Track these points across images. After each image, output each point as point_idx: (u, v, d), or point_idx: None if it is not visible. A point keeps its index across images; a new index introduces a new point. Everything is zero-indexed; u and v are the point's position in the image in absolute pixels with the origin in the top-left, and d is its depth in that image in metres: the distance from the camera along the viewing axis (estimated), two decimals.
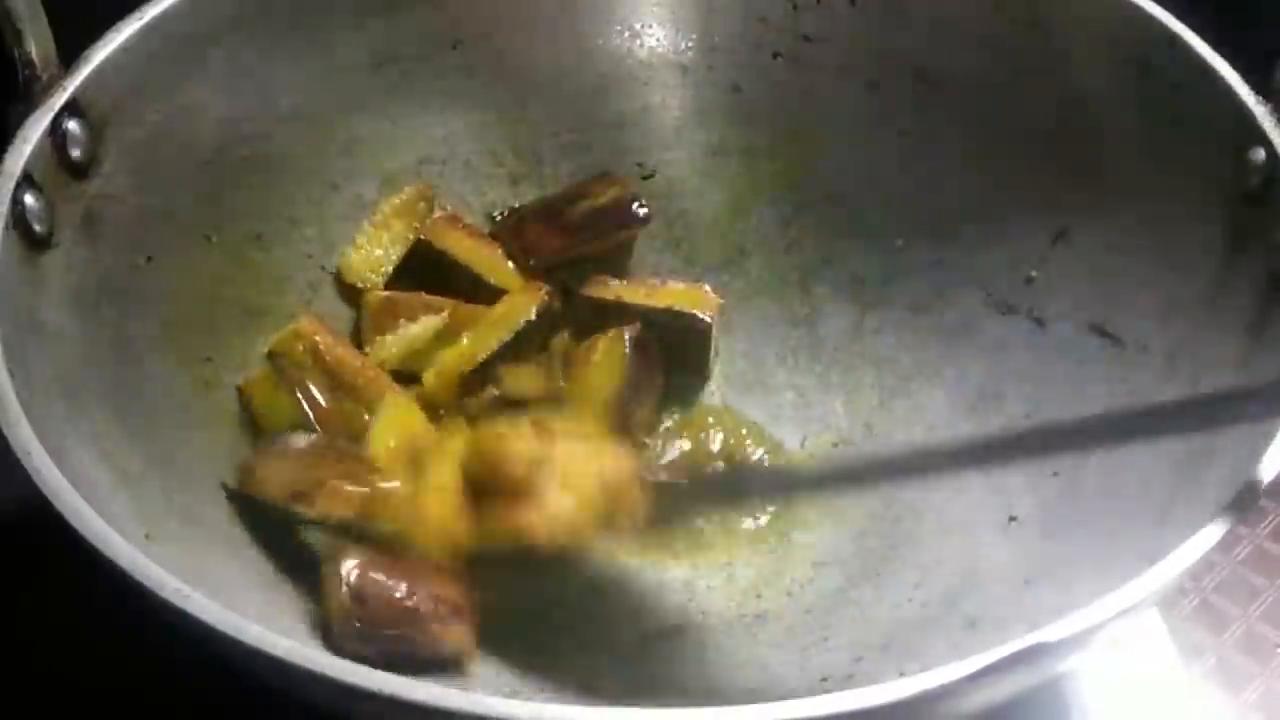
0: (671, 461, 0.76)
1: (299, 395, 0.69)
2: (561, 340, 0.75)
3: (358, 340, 0.75)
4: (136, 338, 0.65)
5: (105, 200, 0.65)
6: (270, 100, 0.73)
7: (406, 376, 0.73)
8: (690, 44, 0.81)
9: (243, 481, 0.65)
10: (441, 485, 0.66)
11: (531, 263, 0.77)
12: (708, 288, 0.79)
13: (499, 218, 0.80)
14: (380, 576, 0.61)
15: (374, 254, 0.77)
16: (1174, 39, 0.67)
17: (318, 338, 0.71)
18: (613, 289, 0.77)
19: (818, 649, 0.66)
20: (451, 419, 0.72)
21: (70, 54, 0.64)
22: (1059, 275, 0.73)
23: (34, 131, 0.61)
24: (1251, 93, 0.64)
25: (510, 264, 0.77)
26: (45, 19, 0.63)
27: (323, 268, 0.76)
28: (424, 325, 0.74)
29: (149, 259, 0.67)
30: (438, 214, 0.78)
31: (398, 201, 0.78)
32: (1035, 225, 0.74)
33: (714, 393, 0.79)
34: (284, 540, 0.66)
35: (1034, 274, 0.73)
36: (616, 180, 0.79)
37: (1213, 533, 0.50)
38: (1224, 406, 0.59)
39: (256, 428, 0.69)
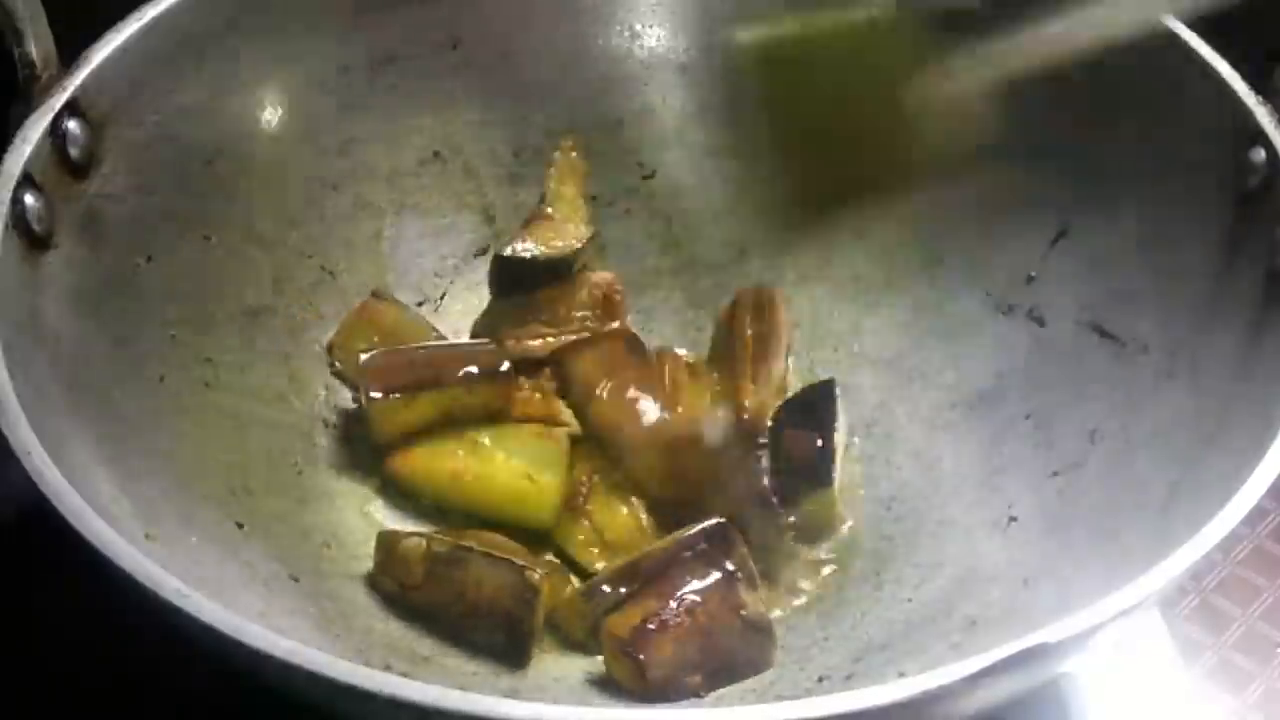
0: None
1: None
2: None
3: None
4: (136, 338, 0.65)
5: (105, 200, 0.65)
6: (270, 100, 0.73)
7: None
8: (690, 44, 0.81)
9: None
10: None
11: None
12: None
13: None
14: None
15: (567, 229, 0.77)
16: (1174, 39, 0.67)
17: None
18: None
19: (818, 649, 0.66)
20: None
21: (70, 54, 0.64)
22: (1059, 275, 0.72)
23: (34, 131, 0.61)
24: (1251, 93, 0.64)
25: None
26: (45, 19, 0.63)
27: (322, 267, 0.76)
28: None
29: (149, 259, 0.67)
30: None
31: (552, 170, 0.79)
32: (1035, 225, 0.73)
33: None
34: (283, 540, 0.66)
35: (1034, 274, 0.73)
36: None
37: (1213, 533, 0.50)
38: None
39: None
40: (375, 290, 0.76)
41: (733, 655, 0.63)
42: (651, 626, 0.62)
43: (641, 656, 0.61)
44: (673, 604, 0.62)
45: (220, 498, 0.65)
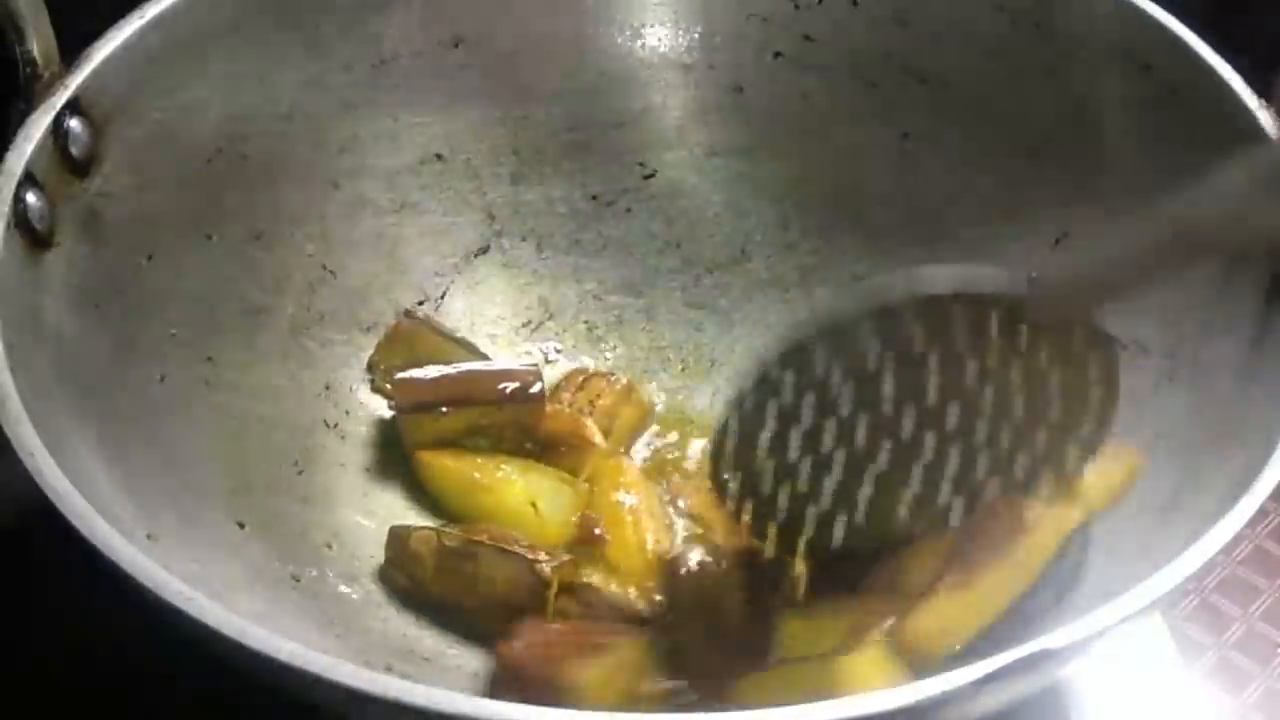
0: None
1: None
2: None
3: None
4: (138, 337, 0.65)
5: (106, 199, 0.65)
6: (270, 100, 0.73)
7: None
8: (691, 43, 0.81)
9: None
10: None
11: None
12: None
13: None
14: None
15: None
16: (1174, 39, 0.67)
17: None
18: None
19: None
20: None
21: (72, 52, 0.64)
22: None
23: (36, 130, 0.61)
24: (1251, 93, 0.64)
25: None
26: (47, 17, 0.63)
27: (323, 266, 0.76)
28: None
29: (150, 258, 0.67)
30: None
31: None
32: (1036, 226, 0.73)
33: (715, 394, 0.79)
34: (284, 539, 0.66)
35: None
36: None
37: (1217, 539, 0.50)
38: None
39: None
40: (407, 310, 0.77)
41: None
42: (531, 651, 0.62)
43: (502, 659, 0.62)
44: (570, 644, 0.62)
45: (221, 497, 0.65)
